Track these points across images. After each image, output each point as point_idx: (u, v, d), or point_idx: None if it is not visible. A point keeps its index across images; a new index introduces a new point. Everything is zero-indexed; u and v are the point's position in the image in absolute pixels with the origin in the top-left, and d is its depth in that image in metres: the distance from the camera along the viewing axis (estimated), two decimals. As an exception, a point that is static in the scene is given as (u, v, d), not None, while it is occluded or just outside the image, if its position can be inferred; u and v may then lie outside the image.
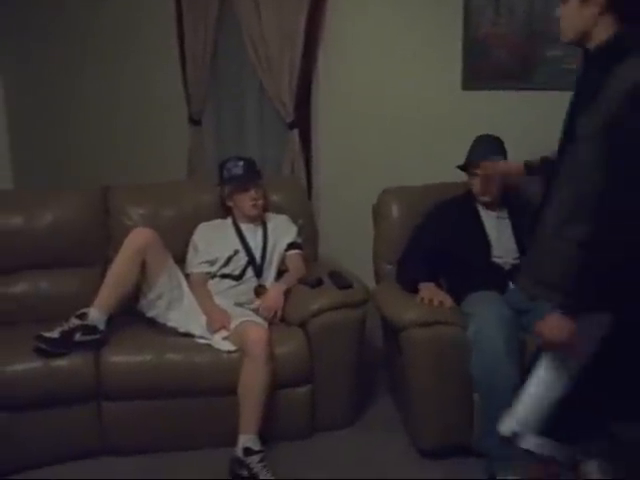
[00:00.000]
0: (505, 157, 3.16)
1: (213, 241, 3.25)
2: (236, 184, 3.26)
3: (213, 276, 3.21)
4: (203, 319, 3.05)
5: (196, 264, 3.23)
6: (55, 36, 4.83)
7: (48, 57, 4.86)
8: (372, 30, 3.96)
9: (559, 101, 3.61)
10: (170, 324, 3.03)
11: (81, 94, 4.87)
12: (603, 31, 1.99)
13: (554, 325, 2.03)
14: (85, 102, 4.88)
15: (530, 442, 2.18)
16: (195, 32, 4.46)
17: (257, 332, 2.86)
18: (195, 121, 4.59)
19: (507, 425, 2.21)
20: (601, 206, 1.91)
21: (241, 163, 3.27)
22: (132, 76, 4.73)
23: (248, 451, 2.74)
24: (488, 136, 3.20)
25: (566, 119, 2.12)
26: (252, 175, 3.28)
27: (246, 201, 3.25)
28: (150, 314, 3.06)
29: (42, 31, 4.83)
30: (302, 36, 4.12)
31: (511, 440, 2.19)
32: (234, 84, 4.56)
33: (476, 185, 3.16)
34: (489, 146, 3.17)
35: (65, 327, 2.83)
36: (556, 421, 2.16)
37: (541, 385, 2.18)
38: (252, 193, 3.25)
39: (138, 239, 2.99)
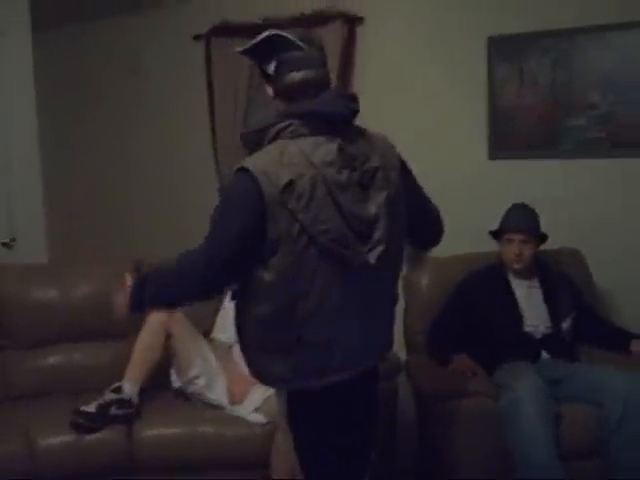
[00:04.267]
0: (539, 228, 3.19)
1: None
2: None
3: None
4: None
5: (221, 330, 3.26)
6: (90, 109, 5.00)
7: (83, 129, 5.02)
8: (398, 101, 4.04)
9: (584, 170, 3.69)
10: (211, 399, 3.05)
11: (114, 168, 5.01)
12: None
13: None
14: (120, 177, 5.01)
15: None
16: (224, 106, 4.58)
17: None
18: (225, 191, 4.67)
19: None
20: None
21: None
22: (164, 149, 4.86)
23: (280, 527, 2.70)
24: (524, 206, 3.22)
25: None
26: None
27: None
28: (189, 390, 3.08)
29: (78, 102, 5.00)
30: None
31: None
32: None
33: (508, 253, 3.16)
34: (524, 216, 3.19)
35: (101, 401, 2.86)
36: None
37: None
38: None
39: (160, 314, 3.03)
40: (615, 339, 3.18)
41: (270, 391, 2.95)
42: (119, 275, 3.32)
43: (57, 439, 2.84)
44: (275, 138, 2.00)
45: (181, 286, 2.07)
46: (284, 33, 2.01)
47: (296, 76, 2.01)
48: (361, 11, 4.12)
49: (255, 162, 1.96)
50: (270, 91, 2.09)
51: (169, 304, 2.32)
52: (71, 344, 3.33)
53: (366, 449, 2.27)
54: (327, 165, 1.95)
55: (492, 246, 3.29)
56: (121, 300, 2.19)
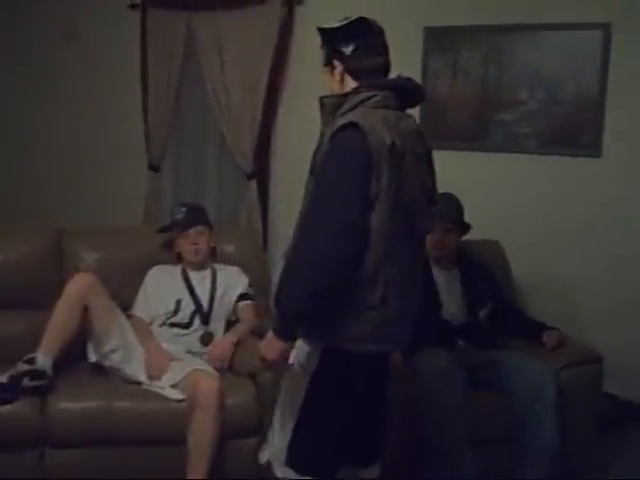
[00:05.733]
0: (462, 218, 3.25)
1: (162, 286, 3.25)
2: (176, 229, 3.28)
3: (162, 324, 3.20)
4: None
5: (141, 308, 3.22)
6: (19, 75, 4.85)
7: (10, 96, 4.86)
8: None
9: (511, 163, 3.78)
10: (128, 374, 3.00)
11: (41, 135, 4.88)
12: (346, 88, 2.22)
13: (268, 344, 2.15)
14: (45, 144, 4.88)
15: (281, 472, 2.27)
16: (158, 79, 4.52)
17: (209, 382, 2.84)
18: (154, 167, 4.61)
19: (264, 452, 2.36)
20: (296, 231, 2.13)
21: (184, 209, 3.30)
22: (93, 119, 4.76)
23: (192, 503, 2.70)
24: (449, 195, 3.26)
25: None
26: (192, 219, 3.27)
27: (186, 245, 3.25)
28: (106, 364, 3.03)
29: (7, 69, 4.84)
30: (264, 88, 4.20)
31: (269, 469, 2.30)
32: (195, 132, 4.62)
33: (431, 240, 3.20)
34: (448, 205, 3.23)
35: (13, 372, 2.78)
36: (298, 453, 2.23)
37: (280, 411, 2.30)
38: (192, 237, 3.24)
39: (79, 284, 2.97)
40: (530, 330, 3.28)
41: (189, 368, 2.95)
42: (37, 243, 3.32)
43: (-35, 410, 2.76)
44: (356, 106, 2.12)
45: (321, 275, 1.99)
46: (370, 21, 2.21)
47: (372, 60, 2.20)
48: (301, -8, 4.12)
49: (360, 119, 2.05)
50: (339, 68, 2.22)
51: (317, 303, 2.04)
52: (-15, 312, 3.23)
53: (377, 425, 2.37)
54: (409, 135, 2.12)
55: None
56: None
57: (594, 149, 3.64)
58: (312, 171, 2.17)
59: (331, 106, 2.19)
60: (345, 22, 2.20)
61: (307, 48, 4.12)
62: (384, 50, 2.23)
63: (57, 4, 4.73)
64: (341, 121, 2.07)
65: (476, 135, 3.87)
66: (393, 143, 2.04)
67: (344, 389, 2.18)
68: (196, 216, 3.31)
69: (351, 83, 2.20)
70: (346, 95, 2.17)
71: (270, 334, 2.13)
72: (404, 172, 2.07)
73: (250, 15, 4.22)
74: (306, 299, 2.02)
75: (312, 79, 4.12)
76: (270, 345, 2.14)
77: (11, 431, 2.79)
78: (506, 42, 3.73)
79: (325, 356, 2.14)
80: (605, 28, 3.55)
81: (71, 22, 4.70)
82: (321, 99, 2.24)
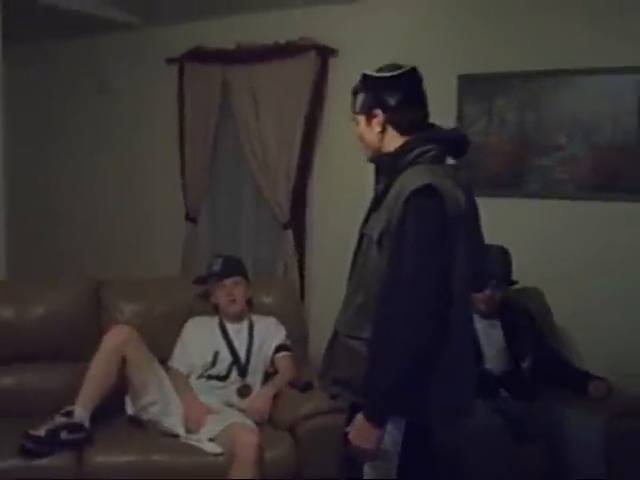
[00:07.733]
0: (511, 273, 3.23)
1: (200, 338, 3.24)
2: (212, 279, 3.29)
3: (200, 377, 3.18)
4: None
5: (179, 360, 3.22)
6: (56, 131, 4.96)
7: (48, 152, 4.97)
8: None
9: (550, 210, 3.73)
10: (166, 427, 2.98)
11: (80, 187, 4.96)
12: (391, 145, 2.09)
13: (362, 432, 1.95)
14: (84, 197, 4.96)
15: None
16: (195, 132, 4.58)
17: (248, 436, 2.81)
18: (191, 218, 4.65)
19: None
20: (377, 308, 1.95)
21: (220, 260, 3.32)
22: (132, 171, 4.83)
23: None
24: (502, 250, 3.23)
25: (361, 226, 2.16)
26: (229, 270, 3.29)
27: (223, 296, 3.26)
28: (144, 417, 3.01)
29: (43, 125, 4.95)
30: (299, 139, 4.23)
31: None
32: (231, 183, 4.65)
33: (478, 297, 3.15)
34: (498, 262, 3.20)
35: (51, 425, 2.78)
36: None
37: None
38: (228, 288, 3.25)
39: (116, 337, 2.99)
40: (575, 380, 3.19)
41: (228, 421, 2.92)
42: (75, 295, 3.34)
43: (5, 464, 2.75)
44: (413, 163, 2.01)
45: (409, 366, 1.89)
46: (419, 72, 2.11)
47: (418, 112, 2.09)
48: (335, 43, 4.16)
49: (434, 180, 1.93)
50: (380, 117, 2.08)
51: (409, 379, 1.92)
52: (23, 365, 3.24)
53: None
54: (466, 193, 2.04)
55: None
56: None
57: (634, 193, 3.58)
58: (363, 233, 2.08)
59: (388, 165, 2.08)
60: (397, 72, 2.08)
61: (341, 99, 4.13)
62: (426, 100, 2.13)
63: (93, 57, 4.86)
64: (412, 183, 1.93)
65: (513, 181, 3.83)
66: (465, 206, 1.99)
67: (428, 459, 2.11)
68: (232, 267, 3.32)
69: (394, 136, 2.08)
70: (401, 151, 2.05)
71: (362, 421, 1.94)
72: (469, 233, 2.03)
73: (284, 67, 4.26)
74: (398, 390, 1.90)
75: (347, 130, 4.16)
76: (365, 434, 1.94)
77: (49, 485, 2.77)
78: (542, 88, 3.71)
79: (410, 432, 2.01)
80: (641, 72, 3.53)
81: (107, 75, 4.81)
82: (377, 159, 2.14)
